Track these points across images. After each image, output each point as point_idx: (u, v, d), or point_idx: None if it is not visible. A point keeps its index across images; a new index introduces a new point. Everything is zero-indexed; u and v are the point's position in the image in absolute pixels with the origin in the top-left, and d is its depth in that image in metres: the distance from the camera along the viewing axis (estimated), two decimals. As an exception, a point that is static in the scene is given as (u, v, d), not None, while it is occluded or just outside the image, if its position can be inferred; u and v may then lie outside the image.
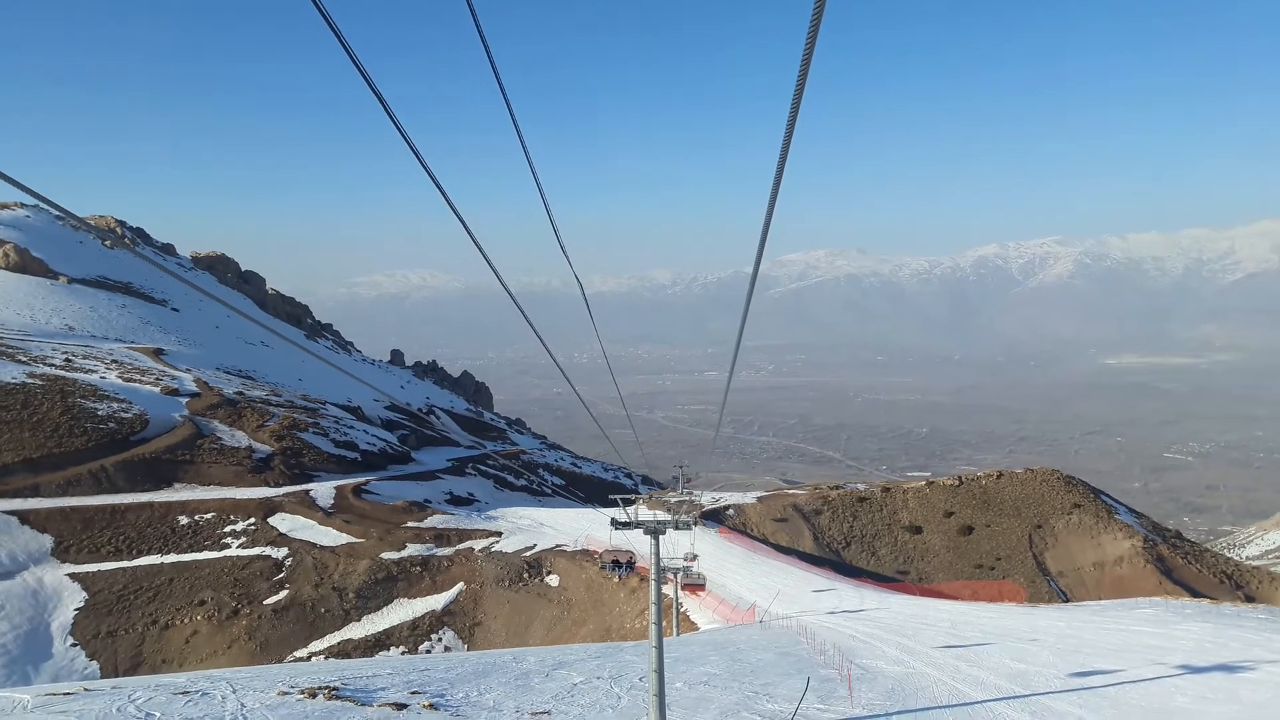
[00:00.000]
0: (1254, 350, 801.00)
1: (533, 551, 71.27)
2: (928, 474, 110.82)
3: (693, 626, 53.52)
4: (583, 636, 59.04)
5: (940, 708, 21.51)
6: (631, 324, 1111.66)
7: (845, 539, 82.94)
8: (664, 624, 53.12)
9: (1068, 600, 72.51)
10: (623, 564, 25.97)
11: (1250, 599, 71.42)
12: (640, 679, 25.87)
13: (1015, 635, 35.15)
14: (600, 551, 59.58)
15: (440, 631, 62.16)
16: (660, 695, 17.94)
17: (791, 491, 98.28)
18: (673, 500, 69.30)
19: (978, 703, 21.95)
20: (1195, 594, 69.43)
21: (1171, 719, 19.12)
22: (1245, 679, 23.17)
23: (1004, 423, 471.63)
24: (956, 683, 24.95)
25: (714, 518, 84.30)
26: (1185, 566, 77.25)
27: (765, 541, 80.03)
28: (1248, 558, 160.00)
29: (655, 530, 19.62)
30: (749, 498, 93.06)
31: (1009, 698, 22.38)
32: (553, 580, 66.78)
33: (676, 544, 58.55)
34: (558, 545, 72.81)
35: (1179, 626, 34.21)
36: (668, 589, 52.12)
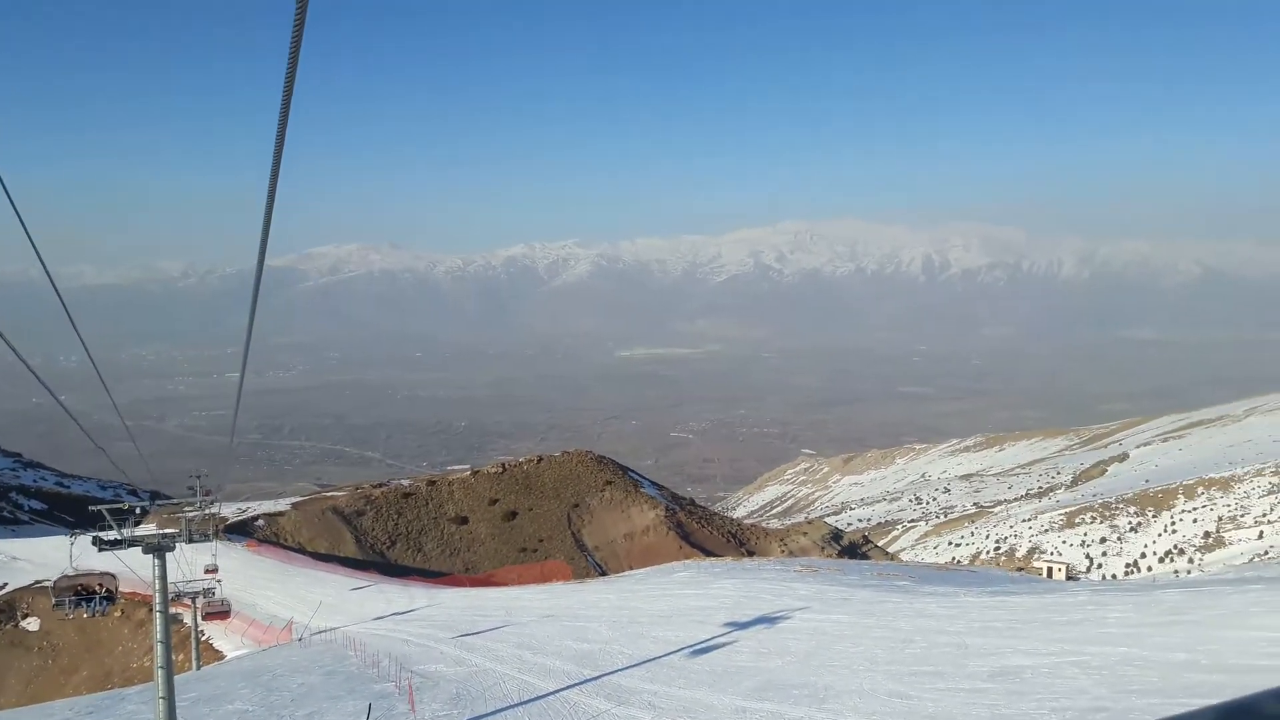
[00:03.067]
0: (736, 341, 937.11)
1: (3, 593, 57.80)
2: (467, 467, 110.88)
3: (218, 655, 46.68)
4: (74, 687, 48.87)
5: (513, 706, 19.57)
6: (136, 321, 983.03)
7: (390, 538, 79.41)
8: (181, 657, 45.44)
9: (604, 572, 76.35)
10: (96, 595, 19.79)
11: (751, 553, 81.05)
12: (144, 737, 20.57)
13: (571, 614, 34.82)
14: (54, 581, 45.96)
15: None
16: (167, 763, 13.62)
17: (330, 494, 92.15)
18: (190, 515, 60.41)
19: (551, 694, 20.36)
20: (709, 553, 77.00)
21: (739, 678, 19.04)
22: (787, 629, 24.41)
23: (536, 412, 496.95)
24: (524, 675, 23.27)
25: (240, 530, 75.84)
26: (700, 530, 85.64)
27: (302, 550, 73.69)
28: (739, 518, 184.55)
29: (159, 547, 15.01)
30: (282, 505, 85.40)
31: (581, 683, 21.12)
32: (31, 624, 54.67)
33: (195, 565, 50.71)
34: (37, 582, 59.81)
35: (714, 585, 36.27)
36: (188, 614, 44.84)
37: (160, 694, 14.33)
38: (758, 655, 21.33)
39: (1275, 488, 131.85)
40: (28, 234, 10.58)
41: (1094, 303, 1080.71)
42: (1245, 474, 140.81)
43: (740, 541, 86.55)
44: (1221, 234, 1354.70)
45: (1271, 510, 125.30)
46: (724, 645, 23.34)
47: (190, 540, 18.54)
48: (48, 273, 12.38)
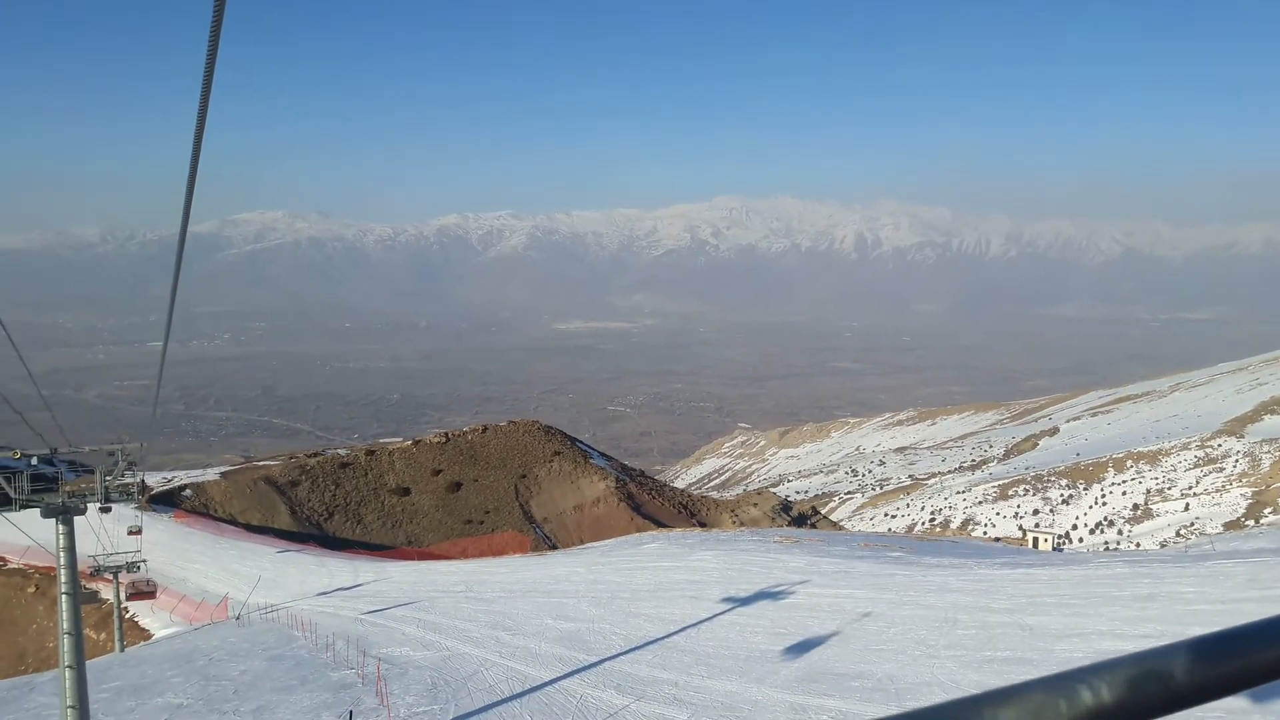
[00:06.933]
0: (672, 315, 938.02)
1: (-101, 570, 52.78)
2: (399, 439, 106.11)
3: (144, 635, 42.93)
4: (-17, 671, 44.56)
5: (507, 700, 16.80)
6: (50, 288, 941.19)
7: (328, 509, 75.55)
8: (103, 636, 41.54)
9: (554, 545, 73.71)
10: None
11: (704, 524, 79.11)
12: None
13: (542, 589, 32.09)
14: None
15: None
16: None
17: (263, 463, 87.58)
18: (111, 482, 55.87)
19: (547, 684, 17.66)
20: (660, 524, 74.81)
21: (772, 666, 16.58)
22: (797, 606, 22.10)
23: (470, 385, 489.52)
24: (507, 660, 20.51)
25: (166, 501, 71.27)
26: (651, 501, 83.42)
27: (233, 522, 69.54)
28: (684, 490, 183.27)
29: (64, 509, 11.85)
30: (211, 474, 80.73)
31: (580, 670, 18.45)
32: (-67, 604, 49.91)
33: (115, 536, 46.61)
34: (-61, 557, 54.94)
35: (692, 558, 33.92)
36: (108, 589, 40.97)
37: (69, 702, 11.29)
38: (776, 636, 18.93)
39: (1200, 461, 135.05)
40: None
41: (1020, 280, 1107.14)
42: (1172, 448, 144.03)
43: (691, 513, 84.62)
44: (1139, 214, 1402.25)
45: (1197, 483, 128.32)
46: (730, 624, 20.92)
47: (107, 501, 15.40)
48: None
